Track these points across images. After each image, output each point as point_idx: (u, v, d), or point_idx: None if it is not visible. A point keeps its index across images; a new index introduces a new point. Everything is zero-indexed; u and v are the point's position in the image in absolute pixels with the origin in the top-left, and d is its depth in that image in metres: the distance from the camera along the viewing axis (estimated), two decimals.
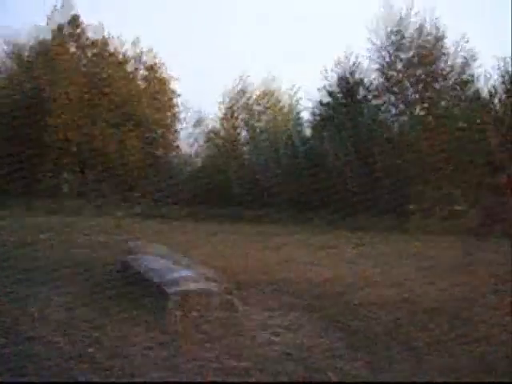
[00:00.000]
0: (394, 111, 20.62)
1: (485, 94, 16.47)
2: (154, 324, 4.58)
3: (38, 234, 12.00)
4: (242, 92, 28.56)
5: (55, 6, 25.82)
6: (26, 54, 27.51)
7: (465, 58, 19.58)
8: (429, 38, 20.08)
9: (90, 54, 27.30)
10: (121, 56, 27.99)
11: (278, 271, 7.87)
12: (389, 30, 20.55)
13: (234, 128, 28.10)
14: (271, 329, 4.64)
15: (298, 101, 28.84)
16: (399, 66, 20.66)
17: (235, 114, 28.43)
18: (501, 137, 14.93)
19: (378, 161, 16.96)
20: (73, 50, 27.11)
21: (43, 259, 8.53)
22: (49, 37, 26.91)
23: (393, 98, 20.87)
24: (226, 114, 28.46)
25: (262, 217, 19.13)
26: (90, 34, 27.46)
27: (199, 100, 33.45)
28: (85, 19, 26.94)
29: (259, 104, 28.58)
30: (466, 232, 14.28)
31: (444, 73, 20.07)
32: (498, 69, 16.98)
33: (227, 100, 28.24)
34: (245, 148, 27.48)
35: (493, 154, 15.12)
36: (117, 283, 6.71)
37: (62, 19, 27.10)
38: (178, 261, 6.91)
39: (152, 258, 7.23)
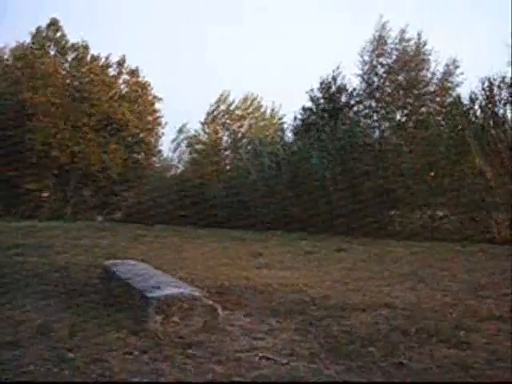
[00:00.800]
0: (375, 117, 20.75)
1: (465, 100, 16.65)
2: (134, 329, 4.56)
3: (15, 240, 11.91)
4: (224, 97, 28.61)
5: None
6: (5, 57, 27.28)
7: (446, 64, 19.82)
8: (410, 43, 20.31)
9: (70, 58, 27.17)
10: (103, 60, 27.89)
11: (257, 277, 7.93)
12: (371, 36, 20.75)
13: (216, 132, 28.15)
14: (253, 334, 4.66)
15: (280, 105, 28.91)
16: (380, 71, 20.83)
17: (216, 120, 28.48)
18: (481, 142, 15.10)
19: (360, 166, 17.05)
20: (52, 53, 26.96)
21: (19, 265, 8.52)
22: (28, 40, 26.72)
23: (374, 104, 21.03)
24: (207, 119, 28.50)
25: (240, 220, 19.22)
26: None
27: (184, 106, 33.50)
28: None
29: (240, 108, 28.66)
30: (448, 237, 14.44)
31: (426, 79, 20.27)
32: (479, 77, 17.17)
33: (210, 106, 28.31)
34: (226, 152, 27.54)
35: (474, 160, 15.28)
36: (97, 288, 6.68)
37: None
38: (158, 266, 6.89)
39: (133, 263, 7.21)
